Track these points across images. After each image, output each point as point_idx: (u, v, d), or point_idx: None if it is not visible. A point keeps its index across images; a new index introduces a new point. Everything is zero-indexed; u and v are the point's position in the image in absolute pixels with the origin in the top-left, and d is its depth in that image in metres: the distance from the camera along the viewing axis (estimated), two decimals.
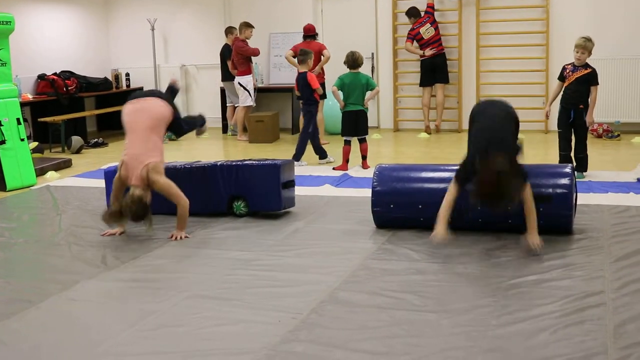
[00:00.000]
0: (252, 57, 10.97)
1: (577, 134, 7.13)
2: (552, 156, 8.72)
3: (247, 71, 10.92)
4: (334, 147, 9.36)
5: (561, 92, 7.15)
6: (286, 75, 11.63)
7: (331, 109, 10.30)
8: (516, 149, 4.82)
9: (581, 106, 6.99)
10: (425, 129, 10.86)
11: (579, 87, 6.96)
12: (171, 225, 5.57)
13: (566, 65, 7.11)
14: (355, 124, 8.05)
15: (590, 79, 6.94)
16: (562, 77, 7.11)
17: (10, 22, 7.73)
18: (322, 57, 9.90)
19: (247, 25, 10.89)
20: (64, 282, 4.43)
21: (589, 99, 7.00)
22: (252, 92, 10.97)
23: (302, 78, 8.54)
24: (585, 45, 6.87)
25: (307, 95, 8.56)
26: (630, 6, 10.23)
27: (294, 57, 9.88)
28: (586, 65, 6.97)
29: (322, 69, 10.00)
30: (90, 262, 4.84)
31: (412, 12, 10.85)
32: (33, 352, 3.42)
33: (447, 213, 4.67)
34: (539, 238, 4.62)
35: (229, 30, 11.36)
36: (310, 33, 10.10)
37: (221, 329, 3.61)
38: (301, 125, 8.92)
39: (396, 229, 5.32)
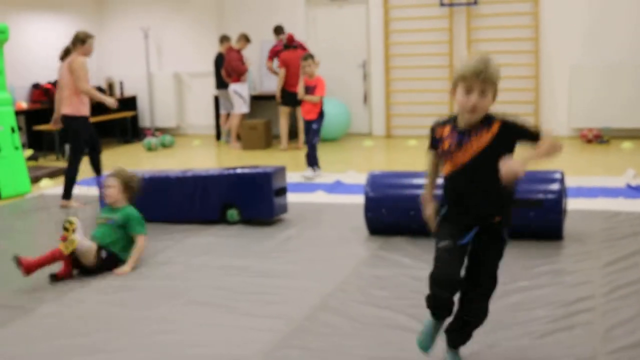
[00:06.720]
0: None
1: None
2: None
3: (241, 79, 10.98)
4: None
5: None
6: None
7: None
8: None
9: None
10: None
11: None
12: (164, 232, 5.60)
13: None
14: None
15: None
16: None
17: (4, 31, 7.77)
18: None
19: (245, 38, 11.05)
20: (59, 289, 4.46)
21: None
22: (247, 99, 11.03)
23: None
24: None
25: None
26: (620, 13, 10.30)
27: (281, 67, 10.14)
28: None
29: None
30: (85, 270, 4.86)
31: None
32: (25, 359, 3.45)
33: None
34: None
35: (224, 39, 11.40)
36: (292, 43, 10.27)
37: (214, 336, 3.64)
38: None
39: (389, 235, 5.36)
